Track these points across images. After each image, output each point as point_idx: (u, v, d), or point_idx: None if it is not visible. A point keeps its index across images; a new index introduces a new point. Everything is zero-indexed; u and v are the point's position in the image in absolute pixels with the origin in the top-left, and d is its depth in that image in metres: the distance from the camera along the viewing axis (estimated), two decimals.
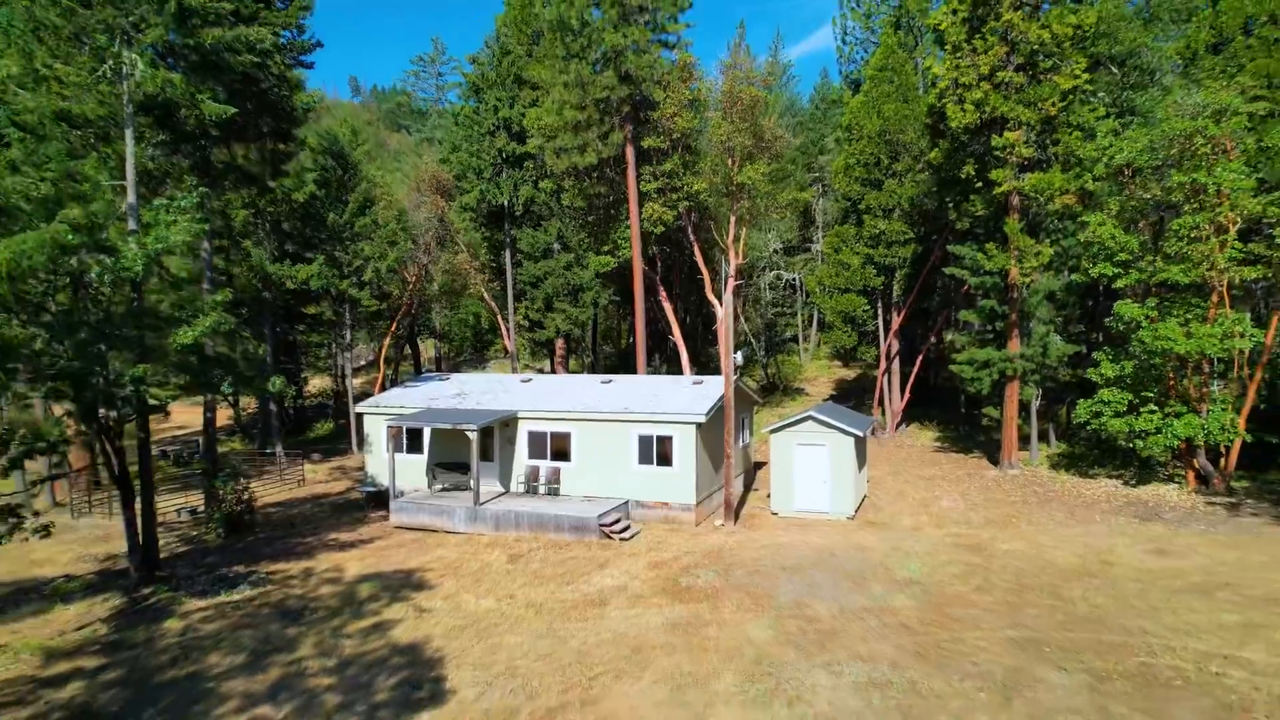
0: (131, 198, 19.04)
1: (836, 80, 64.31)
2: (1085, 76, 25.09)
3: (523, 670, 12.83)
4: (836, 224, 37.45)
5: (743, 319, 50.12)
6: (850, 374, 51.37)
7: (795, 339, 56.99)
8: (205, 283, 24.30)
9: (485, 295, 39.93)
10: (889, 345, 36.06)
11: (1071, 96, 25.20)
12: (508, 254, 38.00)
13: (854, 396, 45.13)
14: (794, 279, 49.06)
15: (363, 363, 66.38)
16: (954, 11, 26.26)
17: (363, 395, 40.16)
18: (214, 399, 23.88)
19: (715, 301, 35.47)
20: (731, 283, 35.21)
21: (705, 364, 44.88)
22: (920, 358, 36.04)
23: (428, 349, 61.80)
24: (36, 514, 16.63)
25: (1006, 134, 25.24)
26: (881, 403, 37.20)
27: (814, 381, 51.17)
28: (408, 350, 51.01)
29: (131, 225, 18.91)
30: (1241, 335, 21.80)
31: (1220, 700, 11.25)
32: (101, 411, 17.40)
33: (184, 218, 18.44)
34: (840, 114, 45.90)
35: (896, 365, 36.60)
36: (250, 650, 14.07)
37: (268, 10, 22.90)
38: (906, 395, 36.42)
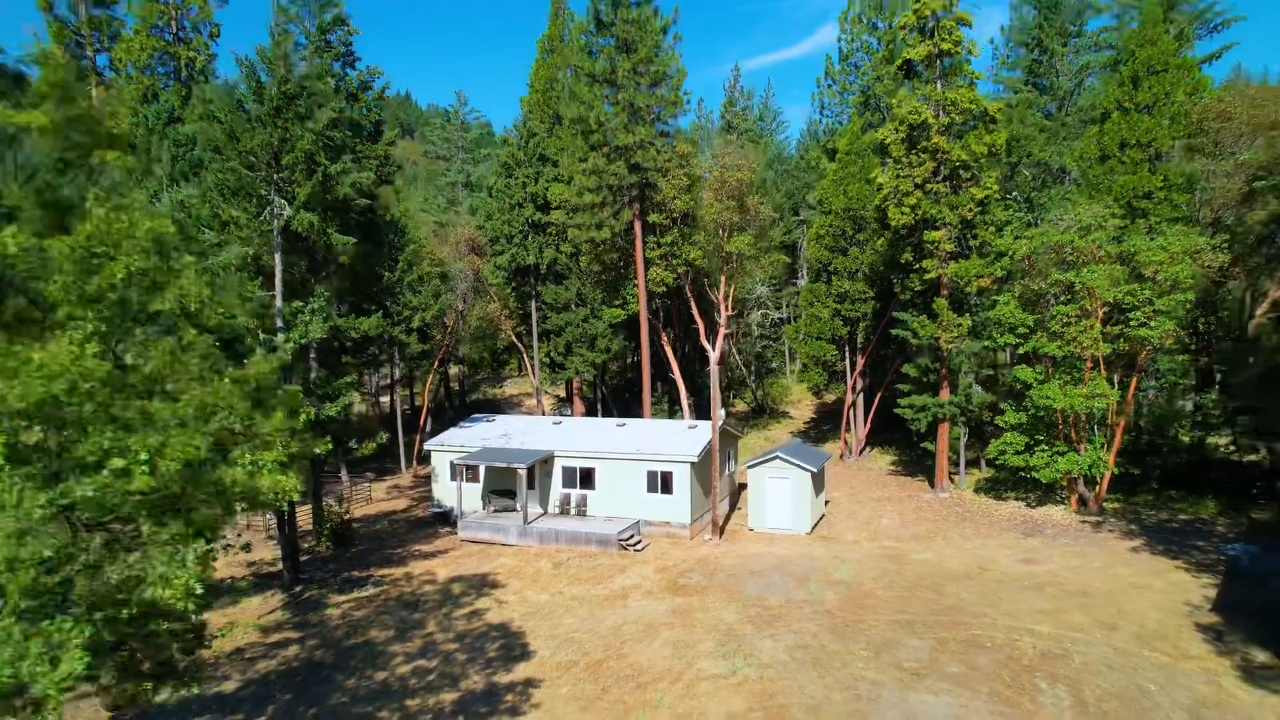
0: (279, 303, 26.43)
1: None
2: (996, 188, 32.47)
3: (576, 639, 20.29)
4: (810, 281, 44.70)
5: (735, 350, 57.49)
6: (830, 398, 58.77)
7: (783, 363, 64.35)
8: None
9: (515, 339, 47.27)
10: (854, 383, 43.47)
11: (986, 203, 32.58)
12: (533, 304, 45.39)
13: (830, 420, 52.56)
14: (781, 317, 56.42)
15: (387, 381, 73.80)
16: (896, 131, 33.60)
17: (406, 415, 47.48)
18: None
19: (709, 346, 42.83)
20: (721, 331, 42.59)
21: (699, 391, 52.20)
22: (879, 395, 43.44)
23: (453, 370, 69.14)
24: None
25: (934, 233, 32.63)
26: (848, 430, 44.63)
27: (797, 405, 58.59)
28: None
29: (280, 323, 26.30)
30: (1102, 396, 29.21)
31: (1009, 655, 18.73)
32: None
33: (318, 317, 25.93)
34: (819, 173, 53.17)
35: (861, 400, 44.03)
36: (394, 628, 21.53)
37: (363, 145, 30.22)
38: (868, 425, 43.85)
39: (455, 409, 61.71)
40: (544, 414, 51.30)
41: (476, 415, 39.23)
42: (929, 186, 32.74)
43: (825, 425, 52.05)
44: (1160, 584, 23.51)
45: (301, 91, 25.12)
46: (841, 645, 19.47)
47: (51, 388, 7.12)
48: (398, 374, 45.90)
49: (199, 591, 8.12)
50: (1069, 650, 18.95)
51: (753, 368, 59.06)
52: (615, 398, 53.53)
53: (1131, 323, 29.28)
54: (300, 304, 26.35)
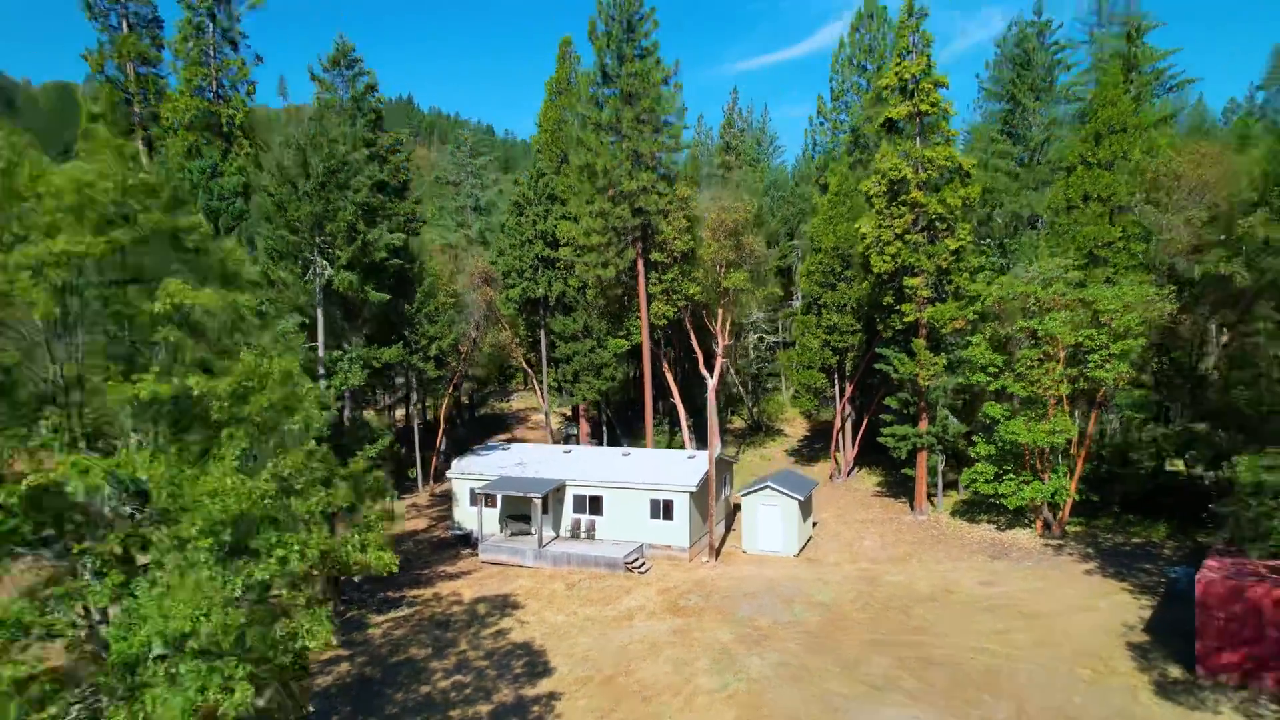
0: (321, 351, 29.64)
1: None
2: (969, 238, 35.66)
3: (590, 657, 23.51)
4: (801, 313, 47.88)
5: (732, 370, 60.68)
6: (823, 417, 61.97)
7: (779, 381, 67.55)
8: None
9: (525, 365, 50.52)
10: (842, 408, 46.67)
11: (960, 252, 35.76)
12: (542, 333, 48.60)
13: (823, 439, 55.70)
14: (776, 341, 59.63)
15: (400, 394, 76.99)
16: (878, 184, 36.76)
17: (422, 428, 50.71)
18: None
19: (707, 374, 46.05)
20: (719, 360, 45.78)
21: (698, 412, 55.33)
22: (866, 419, 46.64)
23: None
24: None
25: (913, 279, 35.82)
26: (838, 451, 47.84)
27: (792, 422, 61.78)
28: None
29: (321, 370, 29.50)
30: (1063, 431, 32.41)
31: (961, 672, 21.96)
32: None
33: (356, 365, 29.14)
34: (811, 207, 56.29)
35: (849, 424, 47.23)
36: (431, 646, 24.76)
37: (392, 203, 33.39)
38: (856, 447, 47.07)
39: (466, 423, 64.91)
40: (551, 431, 54.46)
41: (492, 443, 42.43)
42: (908, 237, 35.91)
43: (817, 444, 55.25)
44: (1104, 605, 26.74)
45: (343, 166, 28.32)
46: (818, 663, 22.71)
47: (242, 505, 10.26)
48: (414, 397, 49.09)
49: (334, 641, 11.25)
50: (1014, 667, 22.17)
51: (749, 386, 62.26)
52: (618, 416, 56.69)
53: (1090, 365, 32.47)
54: (339, 353, 29.57)
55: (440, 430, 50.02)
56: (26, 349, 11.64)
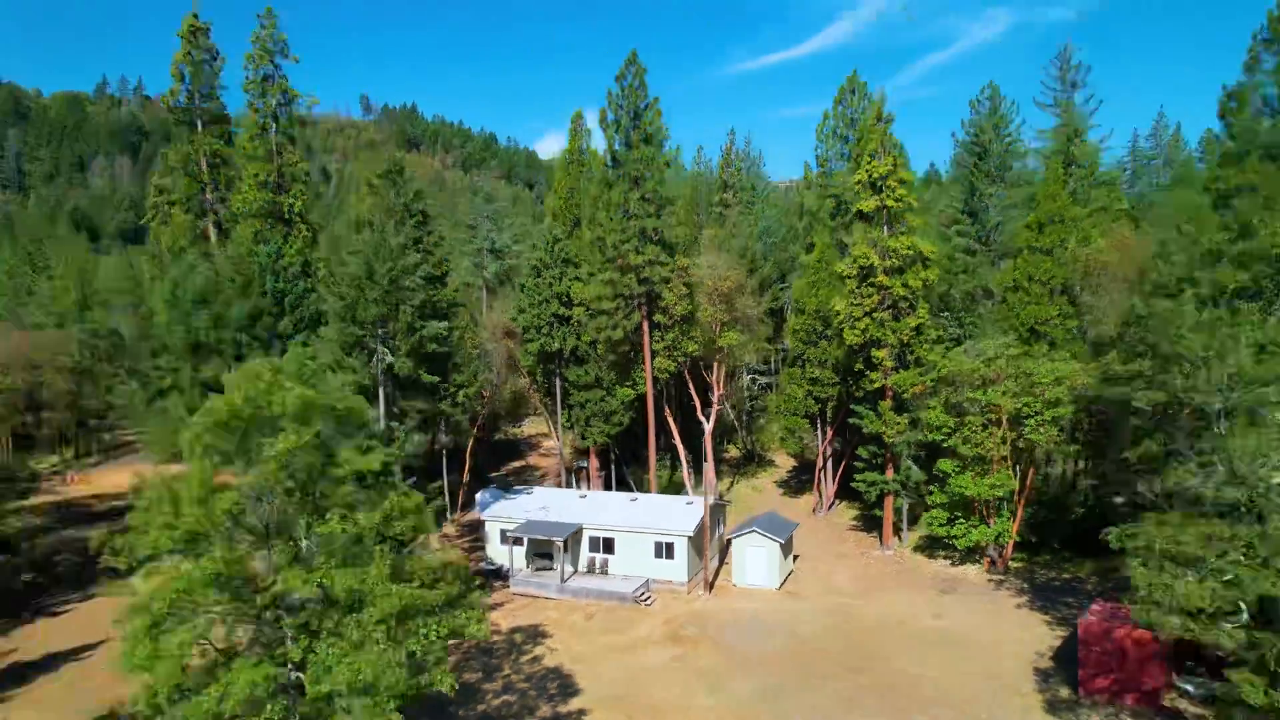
0: (382, 425, 35.89)
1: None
2: (928, 317, 41.93)
3: (610, 679, 29.79)
4: (787, 366, 54.04)
5: (728, 406, 66.89)
6: (809, 455, 68.20)
7: (767, 413, 73.75)
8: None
9: (543, 409, 56.75)
10: (824, 449, 52.95)
11: (920, 328, 41.99)
12: (558, 380, 54.83)
13: (808, 470, 61.80)
14: (766, 383, 65.95)
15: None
16: (850, 267, 42.96)
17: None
18: None
19: (704, 420, 52.34)
20: (715, 408, 52.06)
21: (696, 448, 61.48)
22: (845, 460, 52.89)
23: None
24: None
25: (879, 351, 42.09)
26: (820, 487, 54.14)
27: (781, 453, 68.02)
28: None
29: (385, 440, 35.71)
30: (1003, 484, 38.69)
31: (902, 692, 28.25)
32: None
33: (413, 434, 35.45)
34: (799, 258, 62.47)
35: (830, 464, 53.50)
36: (481, 670, 31.03)
37: (435, 290, 39.66)
38: (835, 485, 53.36)
39: (483, 449, 71.10)
40: (564, 460, 60.61)
41: (518, 488, 48.69)
42: (875, 314, 42.18)
43: (804, 475, 61.53)
44: (1027, 636, 33.05)
45: (402, 274, 34.58)
46: (793, 684, 29.00)
47: (402, 601, 16.46)
48: (442, 435, 55.31)
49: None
50: (946, 688, 28.48)
51: (743, 420, 68.54)
52: (624, 449, 62.92)
53: (1027, 427, 38.75)
54: (397, 424, 35.83)
55: (466, 468, 56.25)
56: (252, 500, 17.77)
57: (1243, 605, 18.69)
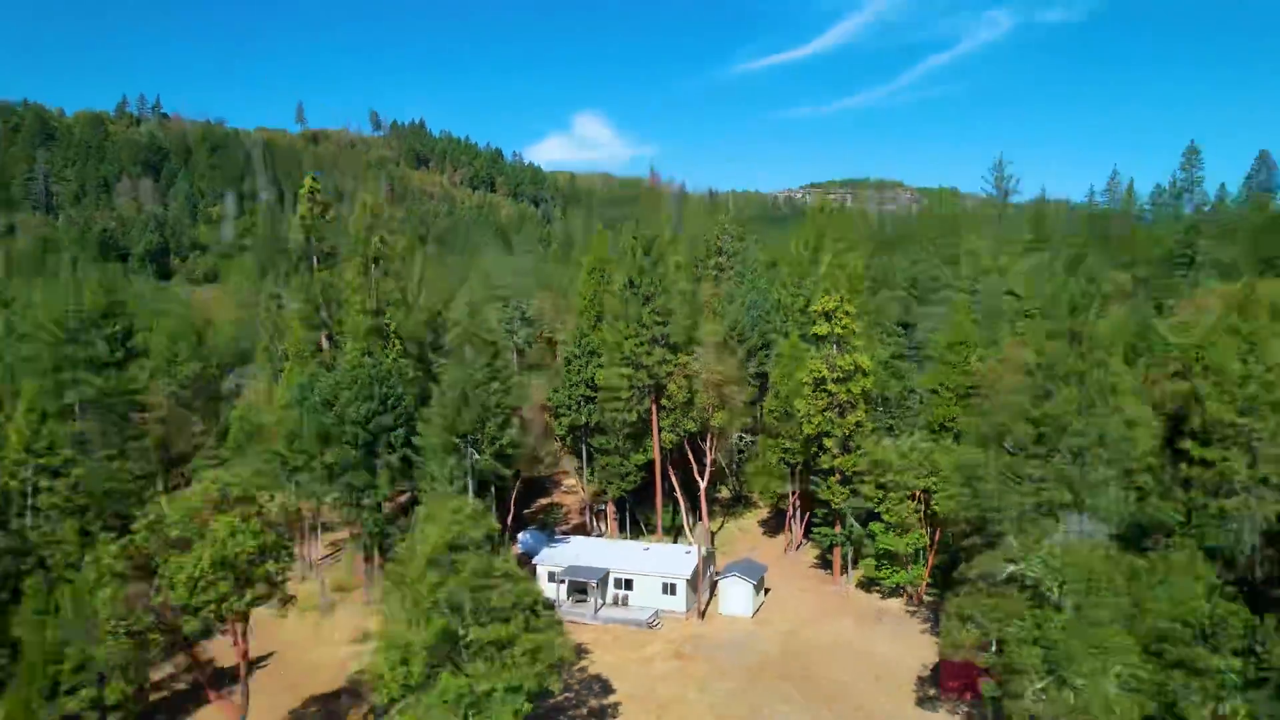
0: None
1: None
2: (865, 415, 57.02)
3: (631, 682, 45.13)
4: (765, 436, 69.11)
5: (720, 455, 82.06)
6: (784, 500, 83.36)
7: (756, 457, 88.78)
8: None
9: (571, 471, 71.86)
10: (794, 501, 68.15)
11: (859, 424, 57.09)
12: (584, 446, 69.97)
13: (784, 515, 77.07)
14: (752, 440, 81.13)
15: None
16: (808, 376, 58.01)
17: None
18: None
19: (699, 480, 67.60)
20: (709, 471, 67.28)
21: (694, 497, 76.46)
22: (810, 511, 68.00)
23: None
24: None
25: (829, 440, 57.24)
26: (789, 531, 69.37)
27: (762, 495, 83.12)
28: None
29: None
30: (915, 541, 53.90)
31: (831, 692, 43.56)
32: None
33: (489, 516, 50.76)
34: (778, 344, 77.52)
35: (798, 514, 68.71)
36: None
37: (505, 401, 54.94)
38: (802, 529, 68.58)
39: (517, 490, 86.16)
40: (587, 502, 75.60)
41: (558, 537, 64.01)
42: (826, 414, 57.33)
43: (780, 518, 76.70)
44: (921, 653, 48.23)
45: (486, 404, 49.70)
46: (756, 688, 44.26)
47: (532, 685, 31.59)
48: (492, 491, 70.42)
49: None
50: (858, 690, 43.71)
51: (733, 467, 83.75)
52: (636, 496, 78.06)
53: (935, 500, 53.91)
54: (483, 504, 51.00)
55: (510, 514, 71.49)
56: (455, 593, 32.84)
57: (994, 642, 33.93)
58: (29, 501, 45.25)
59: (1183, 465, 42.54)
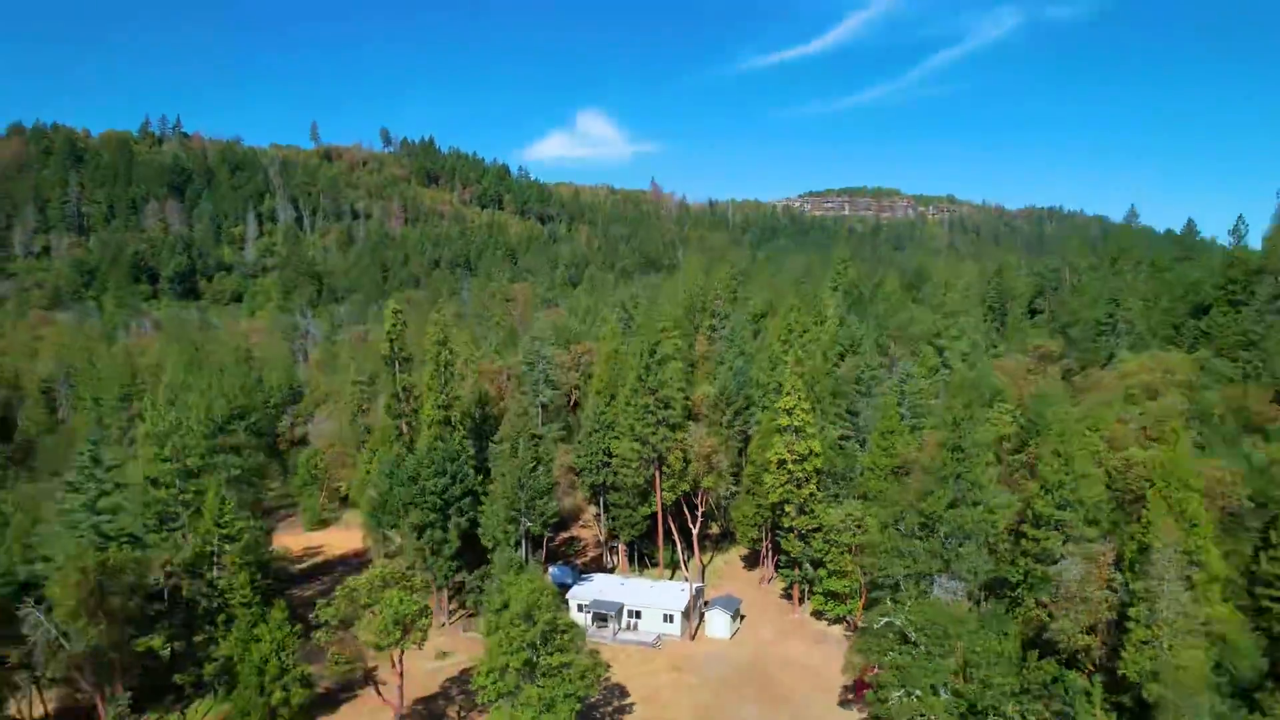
0: (525, 558, 70.79)
1: None
2: (816, 487, 76.54)
3: (642, 688, 65.02)
4: (743, 493, 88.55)
5: (711, 501, 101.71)
6: (759, 543, 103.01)
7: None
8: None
9: (593, 519, 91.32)
10: (766, 545, 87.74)
11: (811, 495, 76.59)
12: (602, 499, 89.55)
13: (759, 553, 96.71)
14: (735, 489, 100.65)
15: None
16: (774, 456, 77.46)
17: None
18: None
19: (693, 528, 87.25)
20: (700, 520, 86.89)
21: (687, 534, 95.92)
22: (777, 555, 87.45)
23: None
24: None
25: (789, 506, 76.82)
26: (764, 566, 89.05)
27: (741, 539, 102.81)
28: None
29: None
30: (852, 584, 73.51)
31: (780, 696, 63.40)
32: None
33: (540, 567, 70.61)
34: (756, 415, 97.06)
35: (772, 553, 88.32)
36: None
37: (546, 478, 74.28)
38: (774, 565, 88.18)
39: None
40: (602, 539, 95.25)
41: (585, 575, 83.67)
42: (786, 486, 76.86)
43: (757, 555, 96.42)
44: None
45: (534, 489, 69.20)
46: (727, 692, 64.04)
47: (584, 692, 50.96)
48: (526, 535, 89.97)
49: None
50: (798, 694, 63.45)
51: (721, 508, 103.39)
52: (641, 538, 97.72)
53: (865, 555, 73.46)
54: (534, 561, 70.76)
55: (545, 551, 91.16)
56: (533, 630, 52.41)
57: (875, 667, 53.54)
58: (215, 559, 64.96)
59: (1023, 541, 61.99)
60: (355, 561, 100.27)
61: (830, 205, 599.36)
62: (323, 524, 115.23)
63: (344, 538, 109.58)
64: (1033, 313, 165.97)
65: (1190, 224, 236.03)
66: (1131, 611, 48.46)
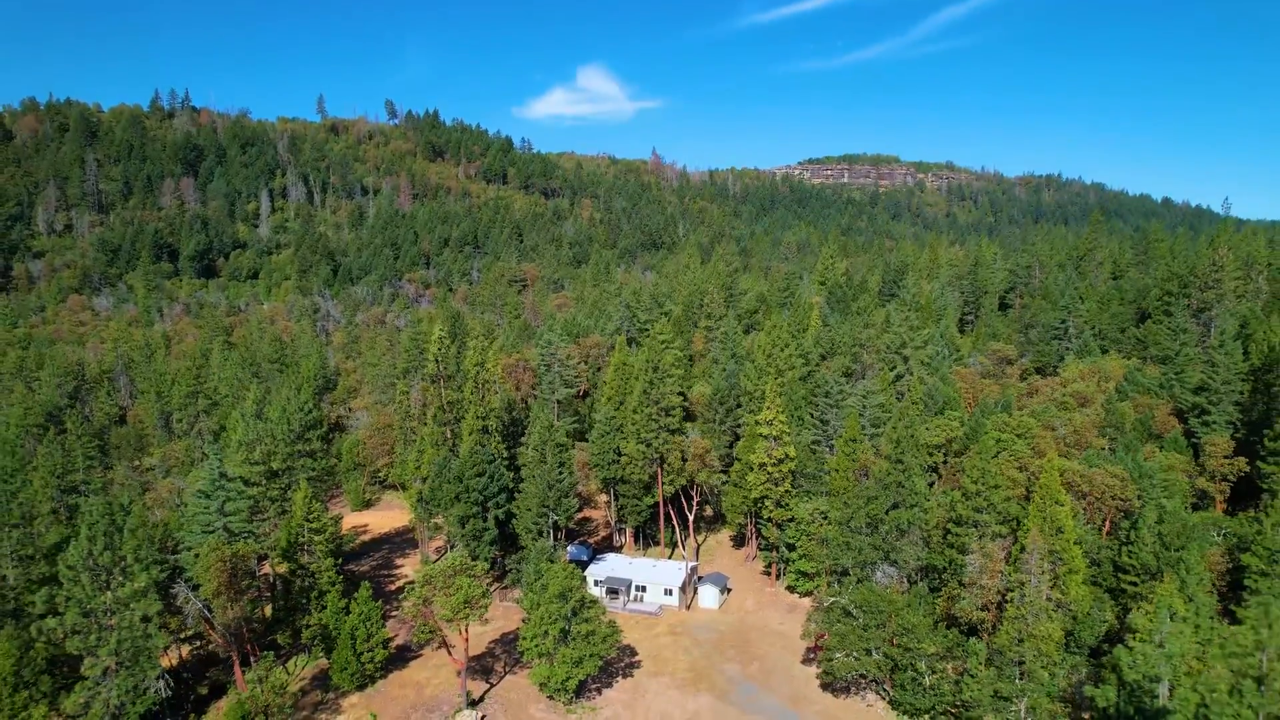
0: (551, 547, 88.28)
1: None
2: (791, 487, 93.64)
3: (646, 648, 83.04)
4: (731, 485, 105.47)
5: (705, 487, 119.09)
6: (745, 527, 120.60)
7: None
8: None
9: (606, 508, 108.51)
10: (751, 530, 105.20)
11: (788, 491, 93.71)
12: (614, 489, 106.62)
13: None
14: (725, 480, 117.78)
15: None
16: (761, 458, 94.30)
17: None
18: None
19: (689, 514, 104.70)
20: (695, 508, 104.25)
21: (684, 518, 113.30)
22: (759, 538, 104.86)
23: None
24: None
25: (768, 500, 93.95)
26: (749, 545, 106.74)
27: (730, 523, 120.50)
28: None
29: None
30: (820, 565, 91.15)
31: (758, 656, 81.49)
32: None
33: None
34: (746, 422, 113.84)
35: (755, 535, 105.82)
36: None
37: (570, 478, 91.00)
38: (757, 546, 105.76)
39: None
40: (611, 522, 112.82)
41: (600, 556, 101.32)
42: (765, 484, 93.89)
43: (744, 536, 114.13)
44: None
45: (558, 492, 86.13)
46: (714, 654, 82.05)
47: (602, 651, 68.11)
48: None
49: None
50: (767, 653, 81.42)
51: (714, 494, 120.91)
52: (645, 522, 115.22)
53: (832, 545, 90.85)
54: (564, 553, 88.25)
55: (563, 531, 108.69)
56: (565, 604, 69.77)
57: (827, 634, 71.13)
58: (306, 547, 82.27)
59: (949, 535, 79.03)
60: (399, 540, 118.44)
61: (830, 173, 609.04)
62: (366, 504, 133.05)
63: (387, 518, 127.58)
64: (1004, 306, 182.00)
65: (1168, 200, 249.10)
66: (1009, 595, 65.41)
